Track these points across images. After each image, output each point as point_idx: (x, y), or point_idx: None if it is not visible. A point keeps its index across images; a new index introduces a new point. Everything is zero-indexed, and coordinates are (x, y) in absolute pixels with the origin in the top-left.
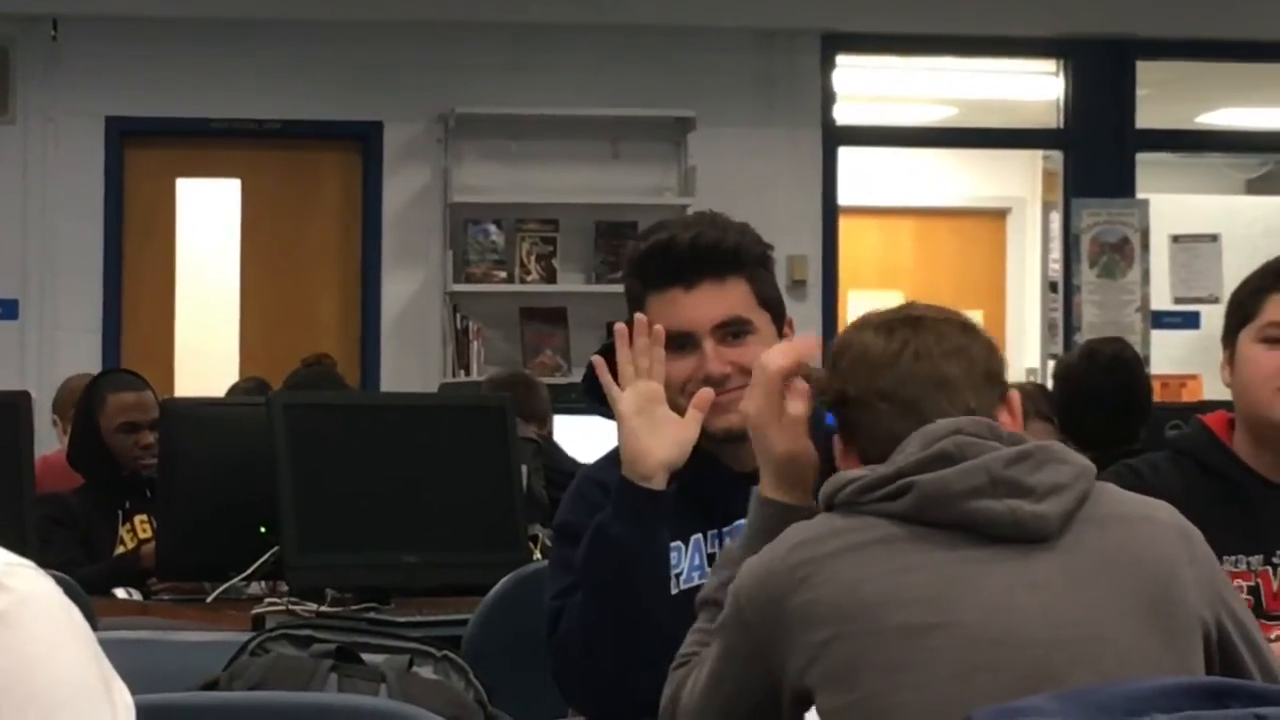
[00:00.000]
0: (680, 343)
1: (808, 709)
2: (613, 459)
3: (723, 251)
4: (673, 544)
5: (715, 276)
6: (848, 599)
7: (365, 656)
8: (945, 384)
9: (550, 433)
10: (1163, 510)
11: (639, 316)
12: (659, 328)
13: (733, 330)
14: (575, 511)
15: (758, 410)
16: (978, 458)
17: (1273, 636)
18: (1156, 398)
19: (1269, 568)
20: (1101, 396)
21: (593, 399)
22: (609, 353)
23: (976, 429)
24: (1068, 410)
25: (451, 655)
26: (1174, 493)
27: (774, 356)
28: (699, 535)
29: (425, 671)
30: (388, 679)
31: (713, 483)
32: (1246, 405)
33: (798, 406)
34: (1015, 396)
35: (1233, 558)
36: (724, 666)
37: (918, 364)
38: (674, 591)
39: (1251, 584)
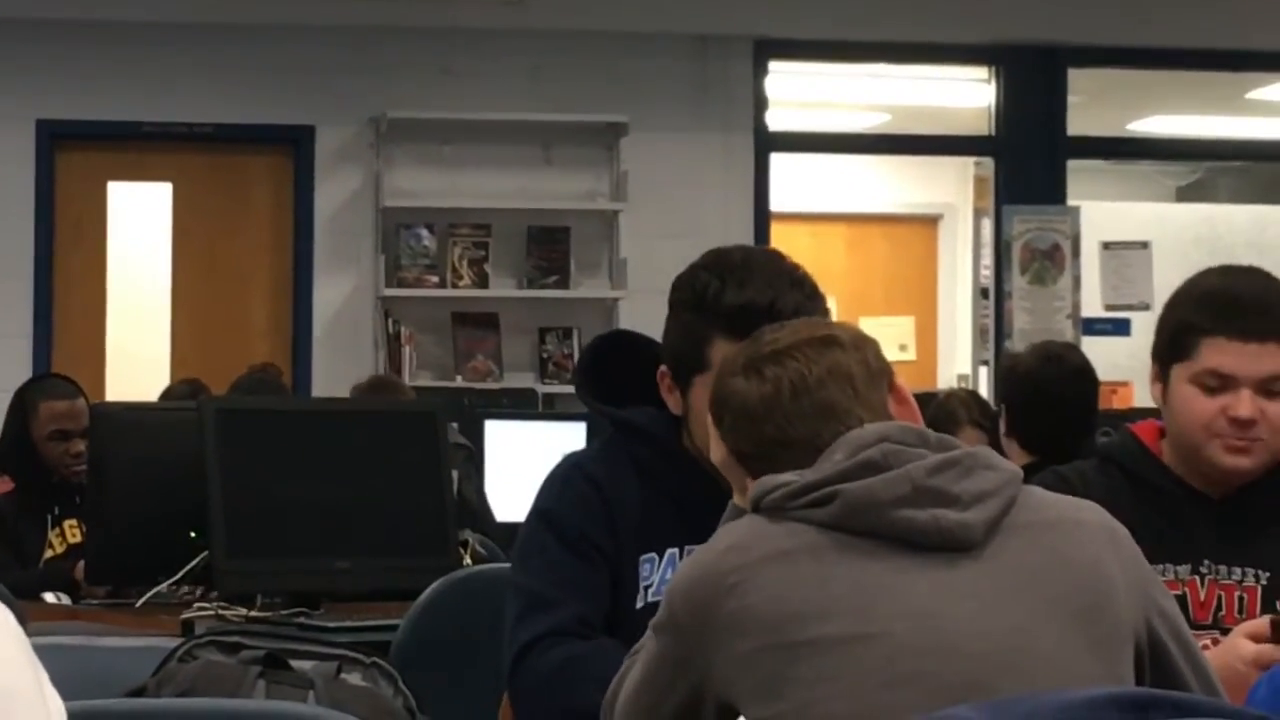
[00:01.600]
0: None
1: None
2: (612, 454)
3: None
4: (646, 556)
5: None
6: (776, 609)
7: (294, 663)
8: (831, 412)
9: None
10: (1090, 512)
11: None
12: None
13: None
14: (562, 501)
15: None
16: (903, 466)
17: (1200, 645)
18: None
19: (1196, 577)
20: (1061, 406)
21: (592, 394)
22: (603, 346)
23: (904, 435)
24: (1020, 413)
25: (380, 662)
26: (1101, 501)
27: None
28: (675, 549)
29: (353, 678)
30: (316, 686)
31: (704, 498)
32: (1179, 437)
33: None
34: (901, 386)
35: (1160, 567)
36: (655, 668)
37: (798, 401)
38: (640, 605)
39: (1179, 594)
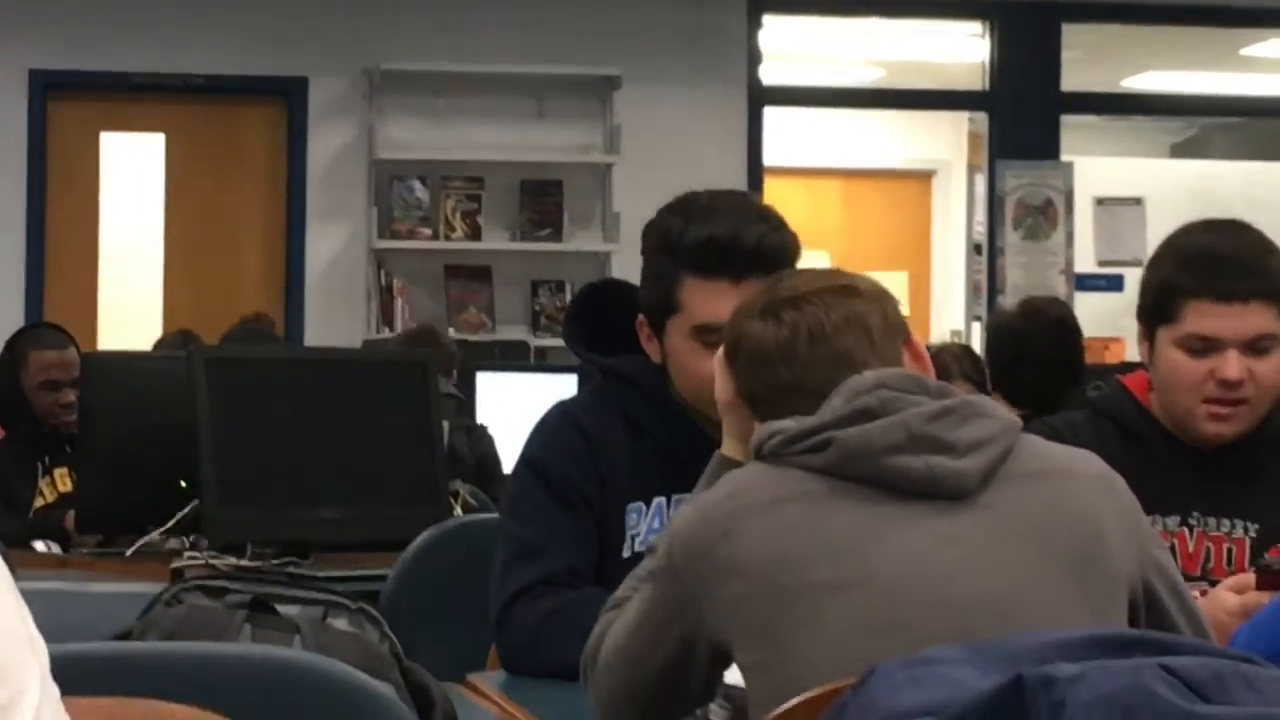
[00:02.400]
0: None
1: (725, 667)
2: (602, 403)
3: (781, 255)
4: (634, 505)
5: (763, 275)
6: (767, 554)
7: (280, 608)
8: (846, 360)
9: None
10: (1087, 463)
11: None
12: None
13: None
14: (550, 450)
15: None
16: (899, 413)
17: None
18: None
19: (1185, 529)
20: (1043, 358)
21: (581, 342)
22: (593, 294)
23: (901, 382)
24: (1004, 367)
25: (366, 608)
26: (1093, 452)
27: None
28: (662, 499)
29: (340, 623)
30: (302, 630)
31: (692, 447)
32: (1167, 399)
33: None
34: (916, 342)
35: (1150, 519)
36: (648, 613)
37: (814, 348)
38: (627, 554)
39: (1168, 545)
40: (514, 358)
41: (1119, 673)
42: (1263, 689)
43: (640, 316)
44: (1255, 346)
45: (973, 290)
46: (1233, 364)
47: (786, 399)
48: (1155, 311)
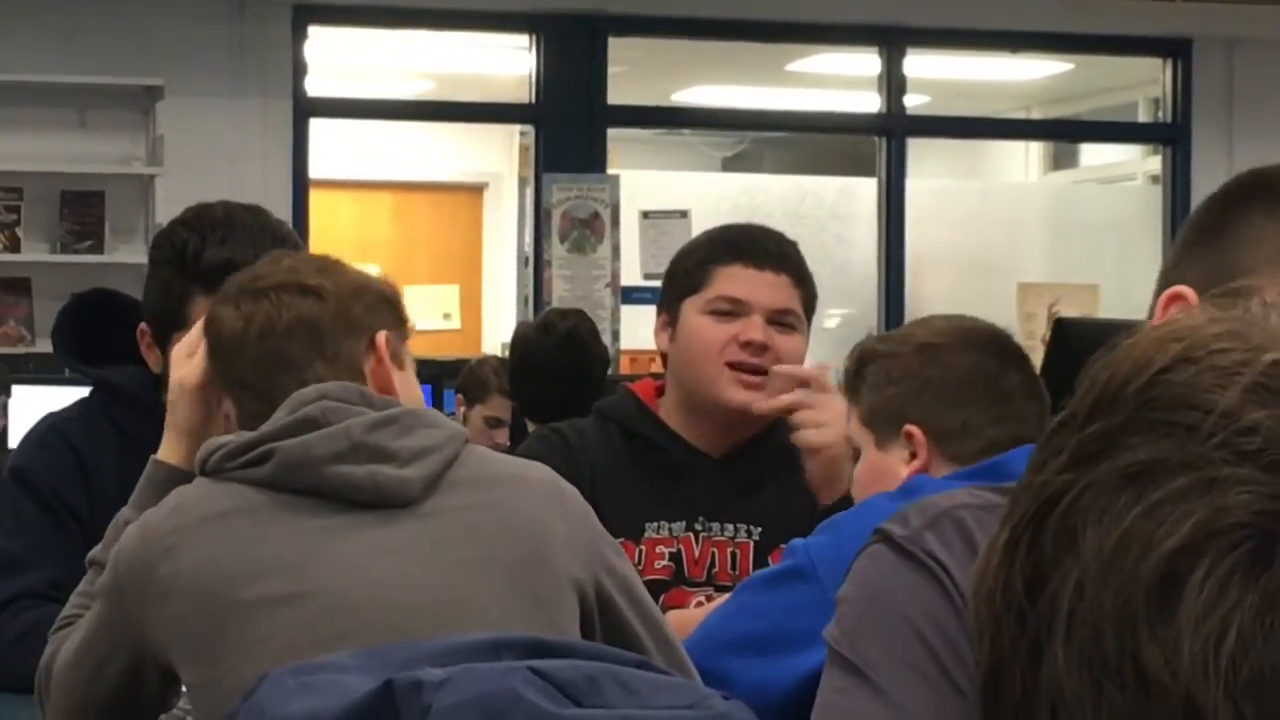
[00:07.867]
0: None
1: (175, 684)
2: (91, 414)
3: None
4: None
5: None
6: (208, 570)
7: None
8: (289, 364)
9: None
10: (535, 470)
11: None
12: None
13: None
14: (37, 462)
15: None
16: (342, 423)
17: (693, 603)
18: (625, 371)
19: (691, 534)
20: (553, 370)
21: (72, 353)
22: (86, 305)
23: (344, 394)
24: (519, 382)
25: None
26: (598, 457)
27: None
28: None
29: None
30: None
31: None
32: (689, 375)
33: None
34: (382, 339)
35: (655, 524)
36: (96, 631)
37: (262, 344)
38: None
39: (673, 550)
40: (51, 371)
41: (487, 676)
42: (639, 690)
43: (142, 325)
44: (779, 320)
45: (524, 303)
46: (757, 326)
47: (236, 391)
48: (684, 286)
